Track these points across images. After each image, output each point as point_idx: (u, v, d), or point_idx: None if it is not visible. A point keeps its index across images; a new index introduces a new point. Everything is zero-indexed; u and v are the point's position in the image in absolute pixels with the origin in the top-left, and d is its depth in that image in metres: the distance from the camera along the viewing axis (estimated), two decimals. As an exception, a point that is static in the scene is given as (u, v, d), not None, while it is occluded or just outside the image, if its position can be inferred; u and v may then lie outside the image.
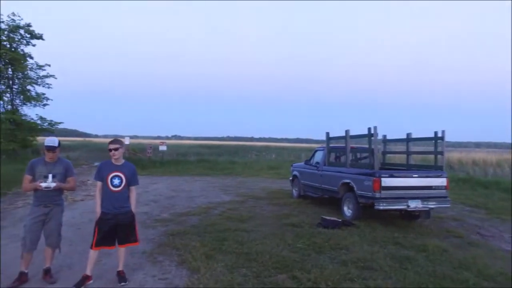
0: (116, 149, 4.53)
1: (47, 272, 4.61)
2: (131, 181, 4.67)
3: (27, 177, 4.51)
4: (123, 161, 4.69)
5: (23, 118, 21.69)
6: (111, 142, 4.57)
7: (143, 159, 23.51)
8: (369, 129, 8.37)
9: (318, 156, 10.78)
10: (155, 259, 5.49)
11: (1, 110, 21.34)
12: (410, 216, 8.76)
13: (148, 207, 9.70)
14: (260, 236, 6.77)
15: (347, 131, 9.13)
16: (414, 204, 7.90)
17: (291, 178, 12.52)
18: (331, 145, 10.25)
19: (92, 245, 4.51)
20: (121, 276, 4.62)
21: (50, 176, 4.45)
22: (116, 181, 4.53)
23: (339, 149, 10.27)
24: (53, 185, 4.43)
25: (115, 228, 4.55)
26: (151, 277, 4.81)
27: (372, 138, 8.33)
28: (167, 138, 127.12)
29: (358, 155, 10.65)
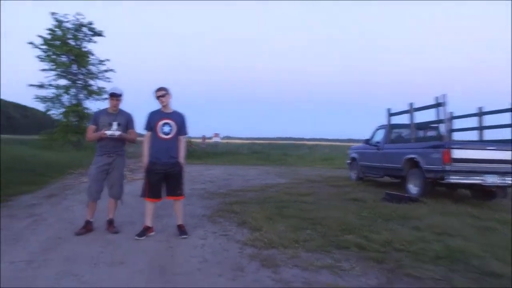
0: (163, 96, 4.39)
1: (110, 223, 4.66)
2: (181, 129, 4.49)
3: (91, 127, 4.57)
4: (172, 109, 4.54)
5: (85, 111, 22.79)
6: (157, 90, 4.41)
7: (197, 150, 23.88)
8: (437, 98, 7.76)
9: (379, 135, 10.24)
10: (215, 220, 5.38)
11: (68, 104, 22.61)
12: (483, 195, 8.03)
13: (204, 185, 9.68)
14: (322, 206, 6.46)
15: (411, 104, 8.57)
16: (491, 179, 7.20)
17: (349, 161, 12.05)
18: (392, 122, 9.71)
19: (144, 195, 4.47)
20: (181, 230, 4.53)
21: (115, 124, 4.47)
22: (166, 129, 4.38)
23: (402, 126, 9.68)
24: (117, 133, 4.45)
25: (164, 178, 4.44)
26: (212, 233, 4.69)
27: (441, 107, 7.71)
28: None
29: (422, 132, 9.96)
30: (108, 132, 4.41)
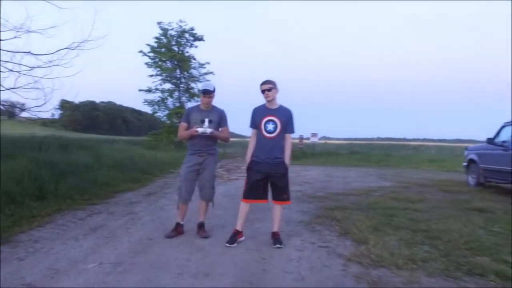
0: (269, 90, 3.97)
1: (200, 226, 4.41)
2: (287, 127, 4.05)
3: (183, 124, 4.35)
4: (278, 104, 4.10)
5: (187, 113, 23.94)
6: (263, 83, 4.02)
7: (295, 150, 23.51)
8: None
9: (507, 133, 8.68)
10: (313, 228, 4.82)
11: (171, 107, 23.95)
12: None
13: (301, 187, 9.17)
14: (438, 216, 5.51)
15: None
16: None
17: (466, 164, 10.50)
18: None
19: (242, 196, 4.12)
20: (276, 238, 4.07)
21: (207, 120, 4.20)
22: (270, 126, 3.98)
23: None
24: (209, 130, 4.16)
25: (266, 179, 4.03)
26: (310, 244, 4.14)
27: None
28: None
29: None
30: (200, 130, 4.14)
